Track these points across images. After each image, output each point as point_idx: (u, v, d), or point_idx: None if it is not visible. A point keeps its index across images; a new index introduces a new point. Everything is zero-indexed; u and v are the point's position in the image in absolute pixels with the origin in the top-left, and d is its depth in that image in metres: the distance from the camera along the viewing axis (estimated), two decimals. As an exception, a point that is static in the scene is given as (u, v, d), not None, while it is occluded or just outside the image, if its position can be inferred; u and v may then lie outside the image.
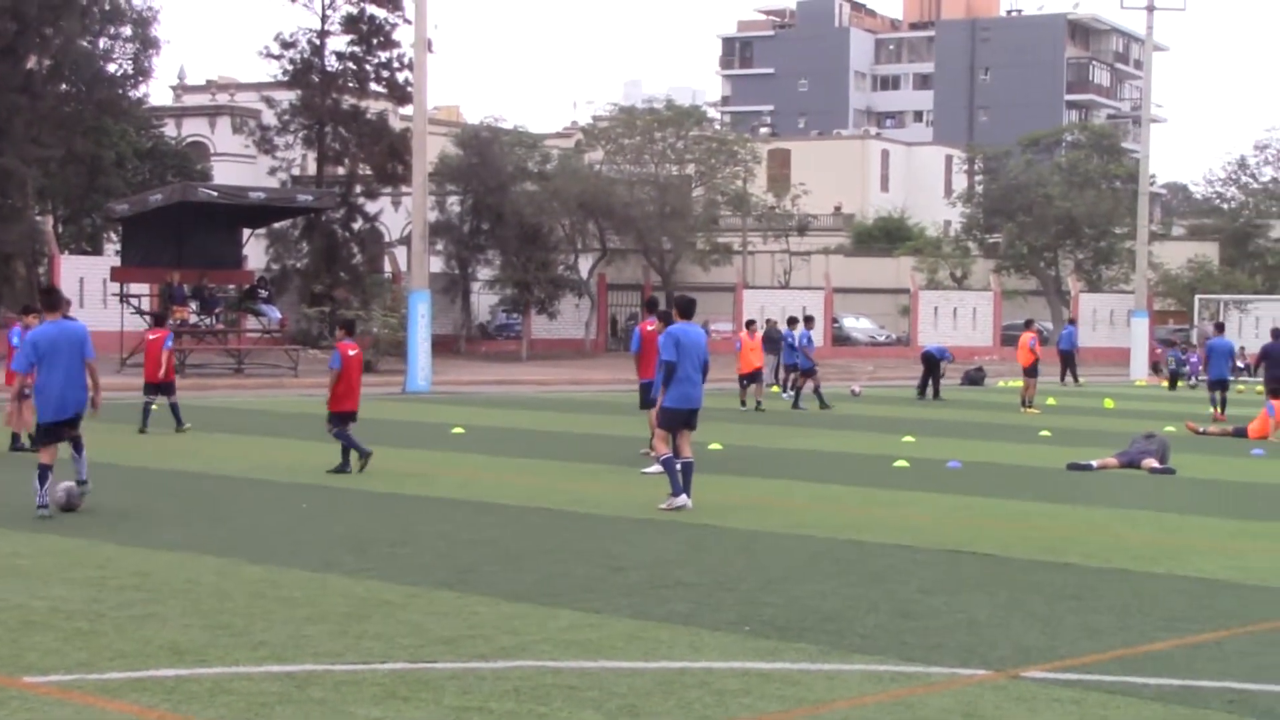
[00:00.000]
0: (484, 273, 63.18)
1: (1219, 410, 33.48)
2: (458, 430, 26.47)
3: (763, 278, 77.48)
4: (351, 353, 20.16)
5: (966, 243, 79.54)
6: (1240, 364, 52.44)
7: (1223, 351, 34.44)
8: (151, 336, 26.29)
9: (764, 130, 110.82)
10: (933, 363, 39.84)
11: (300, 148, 57.46)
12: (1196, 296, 60.35)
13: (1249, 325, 66.24)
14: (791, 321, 37.58)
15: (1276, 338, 32.40)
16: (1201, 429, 29.75)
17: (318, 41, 55.55)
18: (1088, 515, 16.82)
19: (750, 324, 36.92)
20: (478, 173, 60.62)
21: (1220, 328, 36.36)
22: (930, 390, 39.43)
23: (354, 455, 19.75)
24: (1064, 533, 15.35)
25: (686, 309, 17.20)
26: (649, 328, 21.89)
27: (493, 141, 62.04)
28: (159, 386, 25.71)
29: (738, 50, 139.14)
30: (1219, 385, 33.91)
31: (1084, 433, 29.11)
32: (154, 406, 25.71)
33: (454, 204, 61.87)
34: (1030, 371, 36.04)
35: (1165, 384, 50.65)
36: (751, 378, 34.61)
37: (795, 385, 35.66)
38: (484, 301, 67.18)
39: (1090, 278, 75.54)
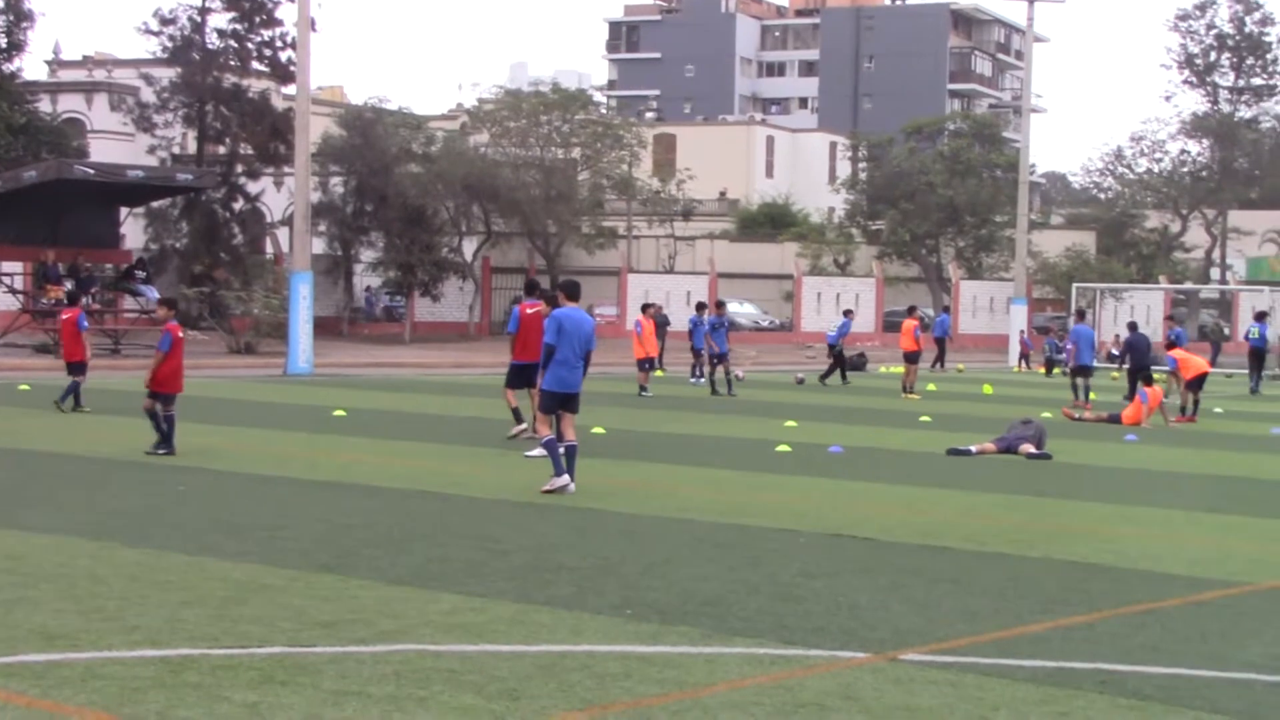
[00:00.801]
0: (367, 255, 62.70)
1: (1080, 397, 33.68)
2: (339, 413, 26.26)
3: (648, 262, 77.63)
4: (181, 334, 19.79)
5: (850, 229, 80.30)
6: (1115, 351, 53.31)
7: (1085, 339, 34.79)
8: (64, 316, 26.55)
9: (650, 115, 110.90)
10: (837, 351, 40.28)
11: (180, 126, 56.62)
12: (1074, 285, 61.35)
13: (1124, 313, 67.44)
14: (700, 306, 38.38)
15: (1135, 330, 33.42)
16: (1077, 415, 30.27)
17: (198, 18, 54.77)
18: (967, 500, 17.04)
19: (646, 308, 36.94)
20: (361, 154, 60.09)
21: (1081, 315, 36.80)
22: (839, 376, 39.92)
23: (157, 438, 19.37)
24: (943, 517, 15.54)
25: (572, 292, 17.18)
26: (529, 310, 21.90)
27: (377, 122, 61.54)
28: (77, 365, 25.59)
29: (624, 35, 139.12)
30: (1081, 372, 34.23)
31: (963, 418, 29.46)
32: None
33: (337, 185, 61.29)
34: (911, 358, 36.41)
35: (1042, 370, 51.50)
36: (649, 362, 34.65)
37: (709, 371, 35.44)
38: (364, 283, 66.68)
39: (971, 265, 76.60)
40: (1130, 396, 34.37)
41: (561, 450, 16.60)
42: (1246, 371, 45.20)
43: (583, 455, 18.28)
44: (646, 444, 22.60)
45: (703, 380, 37.92)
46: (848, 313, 43.53)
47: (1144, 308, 72.76)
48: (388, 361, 45.87)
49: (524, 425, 21.74)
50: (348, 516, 14.35)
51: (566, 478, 16.43)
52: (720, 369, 34.83)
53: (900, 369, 37.71)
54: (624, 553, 12.69)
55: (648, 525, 14.37)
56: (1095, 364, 37.28)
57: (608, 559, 12.33)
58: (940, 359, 51.25)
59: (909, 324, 36.91)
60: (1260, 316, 46.23)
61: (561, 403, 16.74)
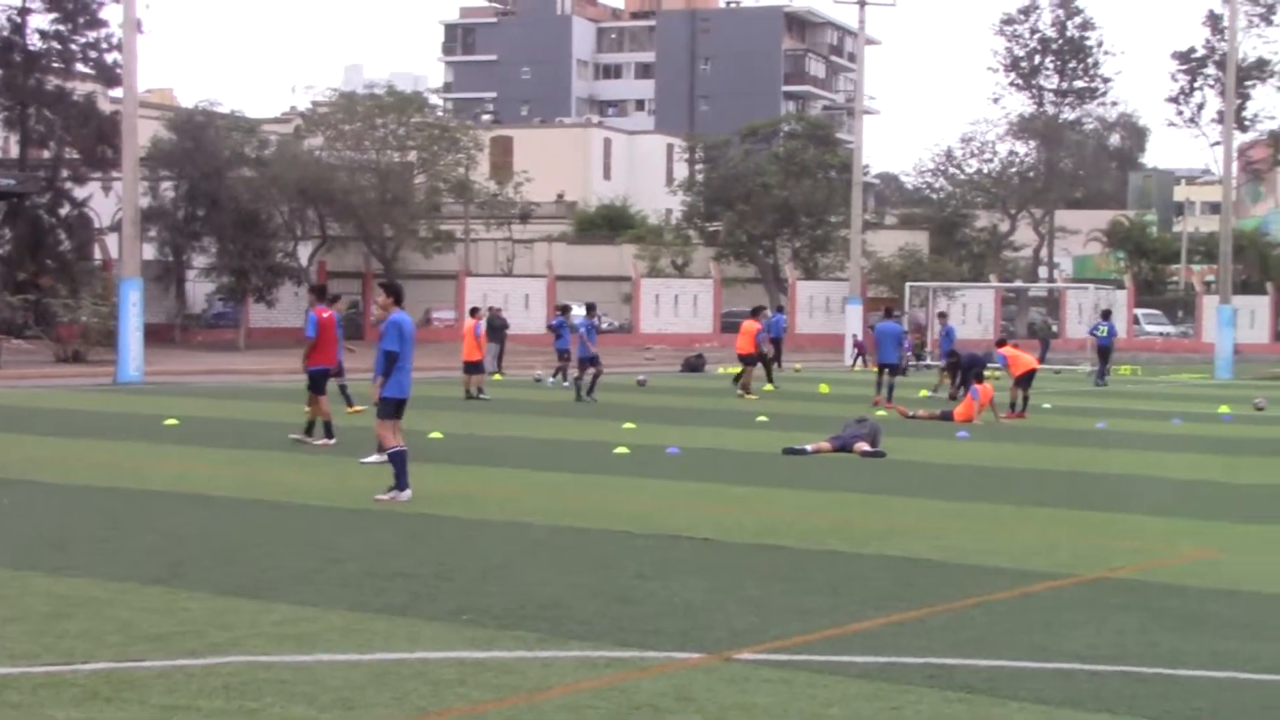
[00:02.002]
0: (200, 260, 61.66)
1: (882, 394, 33.58)
2: (170, 421, 25.80)
3: (485, 265, 77.42)
4: None
5: (687, 231, 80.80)
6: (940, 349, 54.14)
7: (890, 336, 34.89)
8: None
9: (486, 118, 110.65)
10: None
11: (1, 129, 55.20)
12: (907, 284, 62.24)
13: (956, 311, 68.71)
14: (564, 309, 38.96)
15: (889, 316, 35.17)
16: (910, 413, 30.74)
17: (18, 19, 53.50)
18: (802, 498, 17.23)
19: (475, 311, 36.86)
20: (192, 157, 59.05)
21: (889, 312, 36.78)
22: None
23: None
24: (779, 516, 15.69)
25: (399, 296, 16.97)
26: (324, 314, 22.10)
27: (208, 126, 60.53)
28: None
29: (460, 37, 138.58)
30: (887, 369, 34.35)
31: (800, 417, 29.76)
32: None
33: (168, 189, 60.17)
34: (749, 359, 36.63)
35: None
36: (475, 366, 34.55)
37: (575, 376, 35.25)
38: (200, 290, 65.57)
39: (807, 265, 77.44)
40: (955, 395, 35.11)
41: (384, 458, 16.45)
42: (1085, 368, 46.40)
43: (420, 460, 18.15)
44: (484, 448, 22.51)
45: (566, 383, 38.03)
46: (589, 308, 41.03)
47: (975, 305, 74.25)
48: (222, 369, 45.16)
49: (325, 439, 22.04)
50: (179, 527, 14.10)
51: (410, 493, 16.23)
52: (590, 373, 34.45)
53: (737, 369, 37.99)
54: (460, 558, 12.63)
55: (485, 530, 14.32)
56: (921, 361, 37.93)
57: (444, 565, 12.26)
58: (776, 359, 51.70)
59: (750, 325, 37.02)
60: (1106, 315, 47.39)
61: (400, 409, 16.59)
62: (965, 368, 34.47)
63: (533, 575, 11.87)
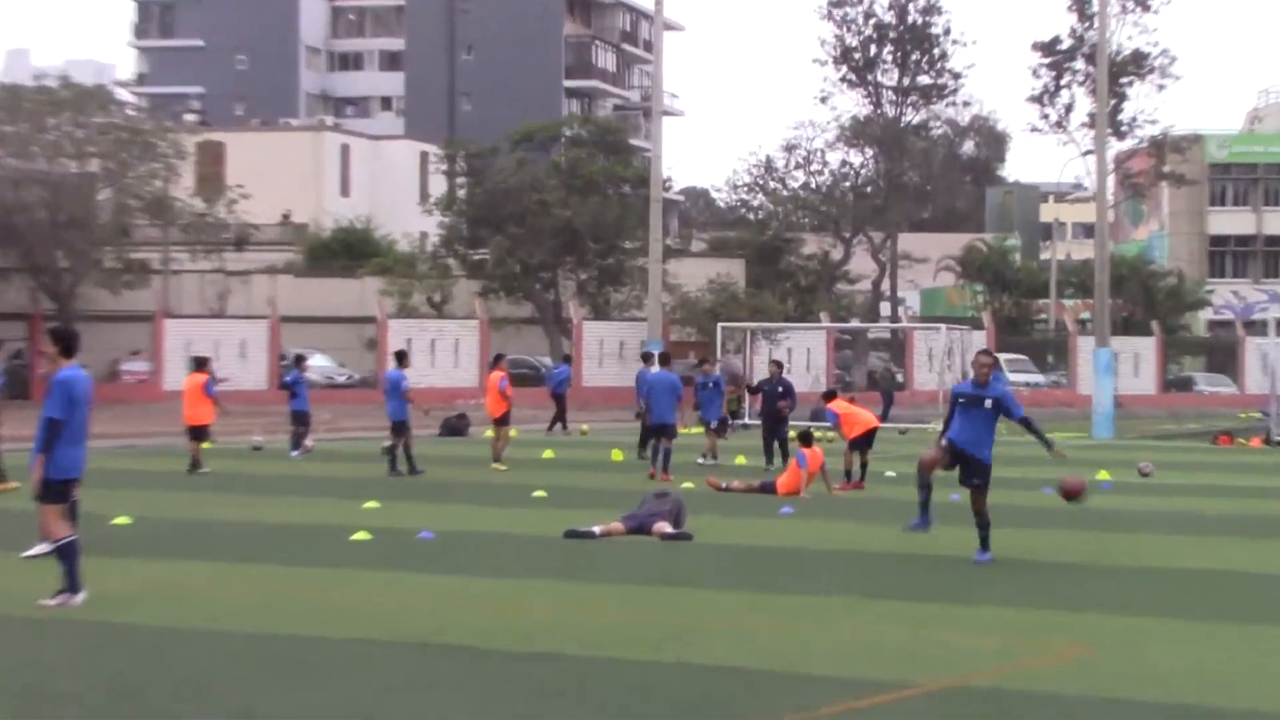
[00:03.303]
0: None
1: (658, 465, 33.29)
2: None
3: (190, 304, 76.39)
4: None
5: (446, 260, 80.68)
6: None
7: (664, 389, 34.54)
8: None
9: (191, 118, 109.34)
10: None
11: None
12: (719, 324, 62.90)
13: (781, 356, 69.78)
14: (299, 360, 39.57)
15: (664, 364, 35.66)
16: (724, 484, 31.00)
17: None
18: (584, 593, 17.24)
19: (203, 362, 36.23)
20: None
21: (664, 360, 36.53)
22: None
23: None
24: (555, 616, 15.68)
25: (69, 346, 16.34)
26: None
27: None
28: None
29: (156, 16, 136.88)
30: (661, 431, 33.83)
31: (586, 491, 29.83)
32: None
33: None
34: (503, 420, 36.65)
35: (699, 429, 52.71)
36: (197, 432, 34.08)
37: (387, 445, 34.78)
38: None
39: (596, 302, 77.83)
40: (769, 460, 35.59)
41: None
42: (926, 425, 47.28)
43: (102, 552, 17.78)
44: (184, 536, 22.24)
45: (295, 453, 38.44)
46: (567, 358, 43.99)
47: (802, 350, 75.29)
48: None
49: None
50: None
51: (84, 595, 15.83)
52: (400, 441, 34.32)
53: (491, 433, 38.10)
54: (147, 674, 12.41)
55: (180, 639, 14.10)
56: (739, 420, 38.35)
57: (127, 683, 12.03)
58: (560, 419, 52.02)
59: (495, 378, 37.13)
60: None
61: (68, 491, 16.09)
62: (766, 424, 35.47)
63: (241, 693, 11.68)
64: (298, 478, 33.15)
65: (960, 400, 20.16)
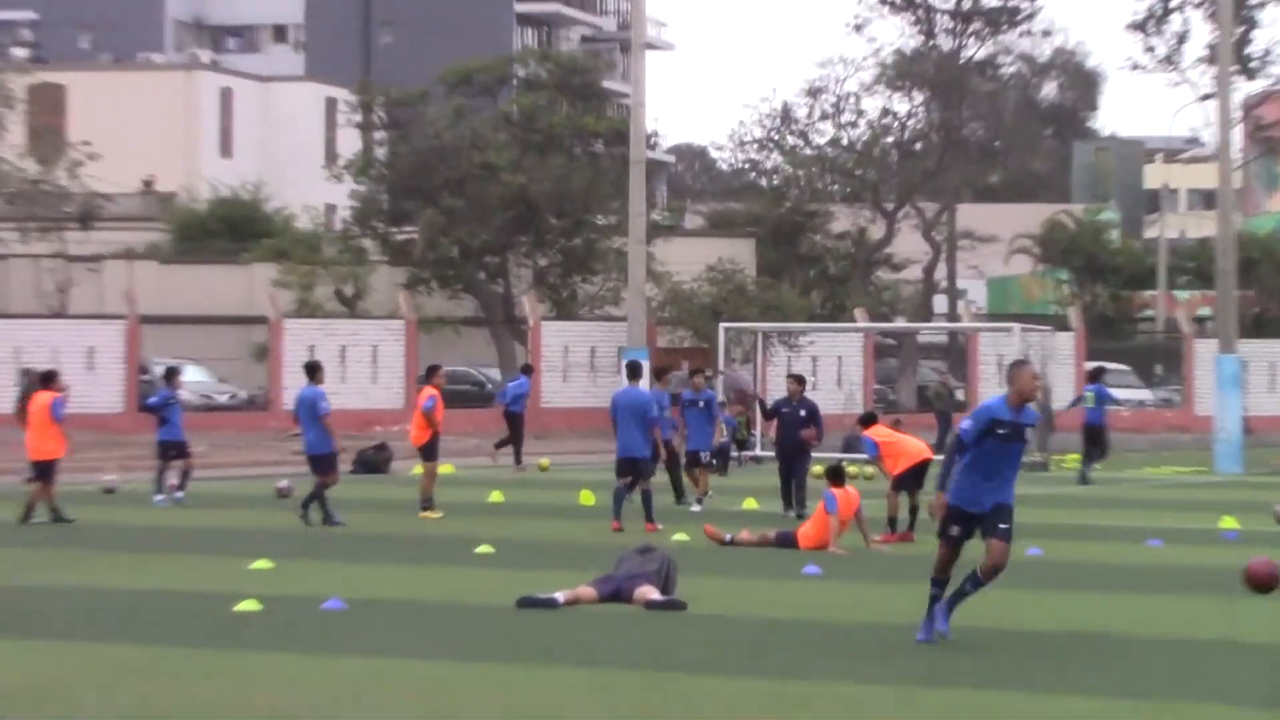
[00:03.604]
0: None
1: (618, 516, 33.24)
2: None
3: (22, 299, 76.21)
4: None
5: (361, 241, 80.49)
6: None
7: (632, 413, 34.08)
8: None
9: (20, 53, 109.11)
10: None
11: None
12: (721, 325, 62.70)
13: (803, 368, 69.70)
14: (170, 375, 39.74)
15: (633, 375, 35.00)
16: (729, 536, 30.89)
17: None
18: (544, 682, 17.13)
19: (51, 378, 35.91)
20: None
21: (633, 372, 36.08)
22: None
23: None
24: (503, 712, 15.63)
25: None
26: None
27: None
28: None
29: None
30: (637, 470, 33.80)
31: (545, 546, 29.96)
32: None
33: None
34: (428, 451, 36.45)
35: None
36: (43, 470, 33.97)
37: (306, 498, 34.66)
38: None
39: (559, 297, 77.67)
40: (787, 504, 35.53)
41: None
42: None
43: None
44: (14, 608, 22.24)
45: (179, 495, 38.51)
46: (526, 368, 43.73)
47: (831, 359, 75.03)
48: None
49: None
50: None
51: None
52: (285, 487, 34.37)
53: (420, 469, 38.02)
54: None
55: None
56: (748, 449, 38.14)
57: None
58: (515, 448, 51.72)
59: (425, 395, 36.86)
60: (1095, 375, 48.51)
61: None
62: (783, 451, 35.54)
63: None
64: (165, 529, 33.11)
65: (1000, 430, 19.20)
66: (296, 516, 33.90)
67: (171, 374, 40.18)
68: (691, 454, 39.04)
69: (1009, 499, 19.25)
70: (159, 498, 38.74)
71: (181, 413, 39.35)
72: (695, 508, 37.30)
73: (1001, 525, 19.11)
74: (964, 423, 19.21)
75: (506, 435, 52.18)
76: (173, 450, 39.07)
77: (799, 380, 37.87)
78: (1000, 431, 18.88)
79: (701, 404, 38.91)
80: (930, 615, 19.25)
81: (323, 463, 34.45)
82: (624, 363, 38.41)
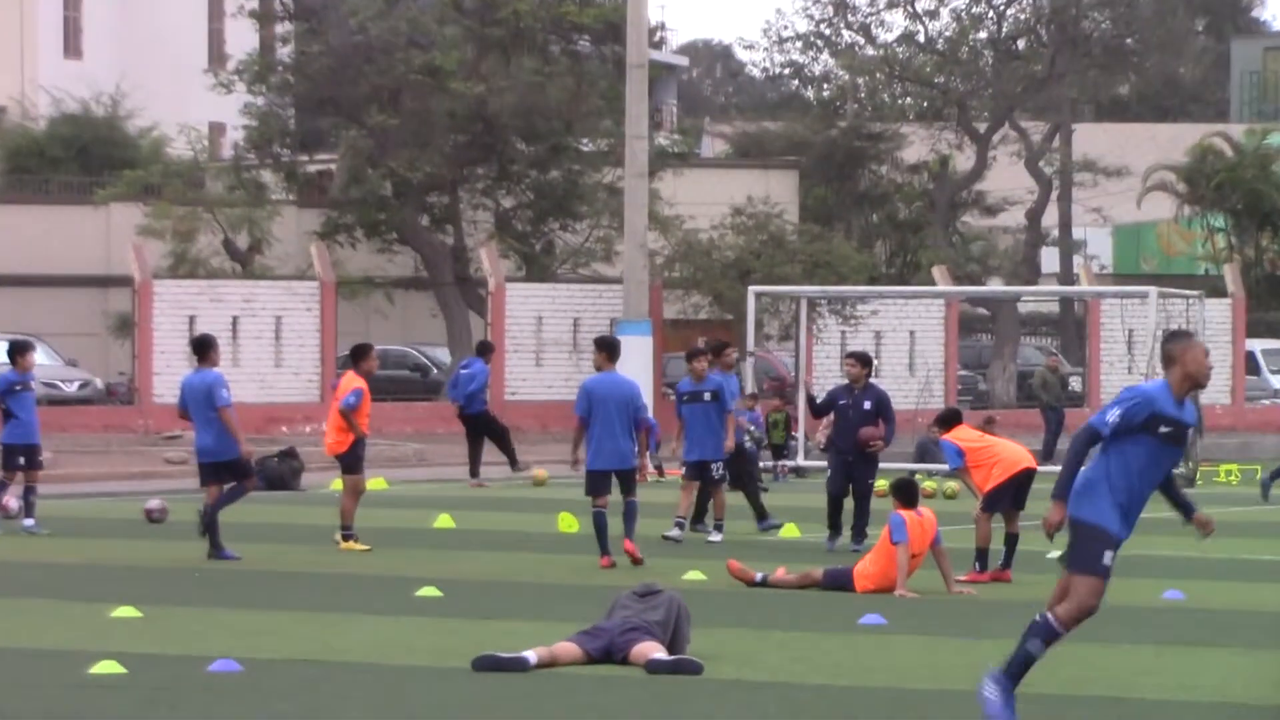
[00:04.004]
0: None
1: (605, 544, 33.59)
2: None
3: None
4: None
5: (259, 173, 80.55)
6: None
7: (610, 402, 33.85)
8: None
9: None
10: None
11: None
12: (751, 289, 62.79)
13: (864, 346, 69.82)
14: (18, 352, 38.79)
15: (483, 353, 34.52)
16: (760, 576, 31.07)
17: None
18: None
19: None
20: None
21: (605, 346, 35.87)
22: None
23: None
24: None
25: None
26: None
27: None
28: None
29: None
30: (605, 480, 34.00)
31: (510, 587, 30.30)
32: None
33: None
34: (351, 462, 36.34)
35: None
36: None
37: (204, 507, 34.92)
38: None
39: (528, 250, 77.77)
40: (835, 531, 35.72)
41: None
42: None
43: None
44: None
45: (24, 525, 38.43)
46: (483, 347, 42.93)
47: (901, 333, 75.04)
48: None
49: None
50: None
51: None
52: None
53: (339, 484, 38.10)
54: None
55: None
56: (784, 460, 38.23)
57: None
58: (472, 452, 51.82)
59: (345, 384, 36.77)
60: None
61: None
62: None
63: None
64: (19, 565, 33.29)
65: (1163, 429, 18.68)
66: (198, 533, 34.10)
67: (21, 351, 39.18)
68: (695, 466, 37.90)
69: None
70: (29, 522, 38.74)
71: (35, 406, 39.00)
72: (714, 537, 37.42)
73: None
74: (1106, 411, 18.64)
75: (471, 448, 52.22)
76: (22, 457, 39.08)
77: (862, 361, 37.66)
78: (1163, 430, 18.46)
79: (708, 396, 37.84)
80: (1013, 680, 18.52)
81: (236, 469, 34.66)
82: (595, 339, 37.22)
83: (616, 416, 33.69)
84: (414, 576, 30.63)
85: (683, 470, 38.85)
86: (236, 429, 34.77)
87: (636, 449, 34.38)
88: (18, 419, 38.36)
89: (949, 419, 33.81)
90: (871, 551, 31.03)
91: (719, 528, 37.77)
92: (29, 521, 38.36)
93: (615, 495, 33.32)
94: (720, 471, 37.72)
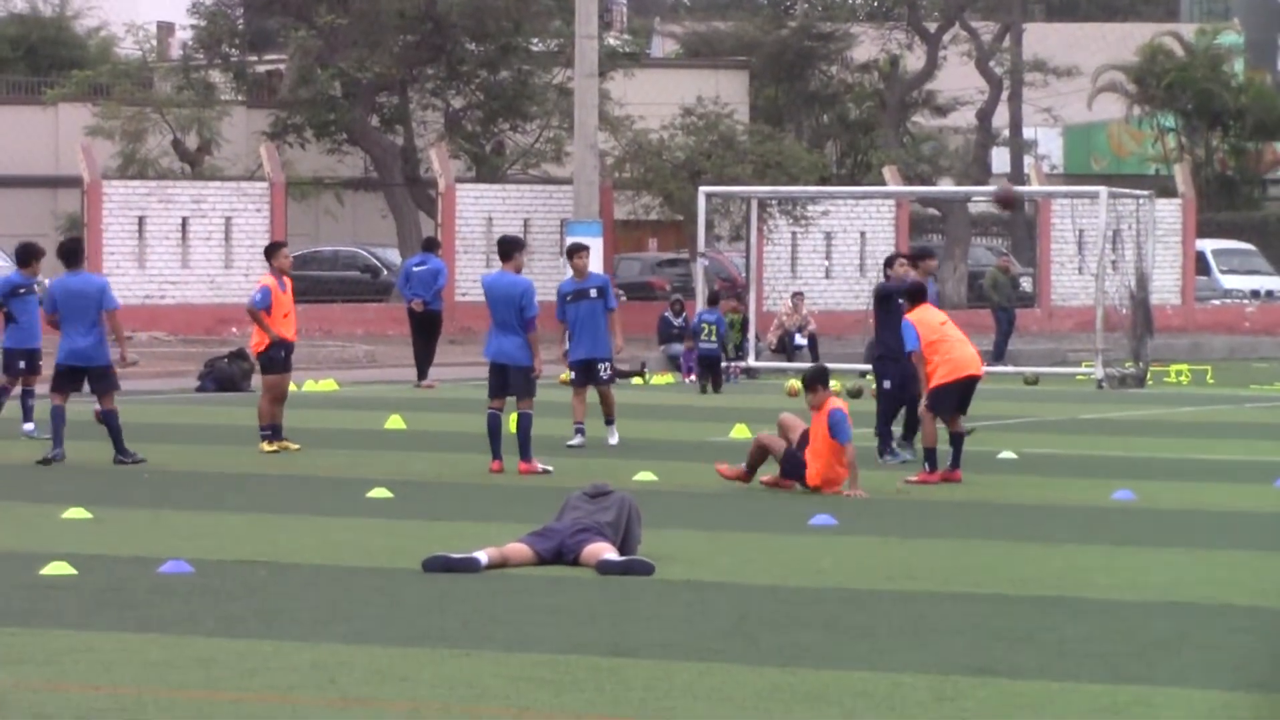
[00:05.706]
0: None
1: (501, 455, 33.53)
2: None
3: None
4: None
5: (208, 73, 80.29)
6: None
7: (500, 301, 33.70)
8: None
9: None
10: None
11: None
12: (702, 190, 62.68)
13: (813, 247, 69.72)
14: (27, 254, 38.21)
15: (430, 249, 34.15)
16: (736, 471, 31.01)
17: None
18: (466, 673, 17.26)
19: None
20: None
21: (506, 246, 35.54)
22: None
23: None
24: (400, 713, 15.80)
25: None
26: None
27: None
28: None
29: None
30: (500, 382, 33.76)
31: (461, 488, 30.59)
32: None
33: None
34: (269, 362, 36.17)
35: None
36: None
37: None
38: None
39: (479, 151, 77.58)
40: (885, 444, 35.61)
41: None
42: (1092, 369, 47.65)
43: None
44: None
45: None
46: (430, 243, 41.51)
47: (851, 234, 74.92)
48: None
49: None
50: None
51: None
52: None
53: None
54: None
55: None
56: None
57: None
58: (420, 353, 51.81)
59: (263, 284, 36.54)
60: None
61: None
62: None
63: None
64: None
65: None
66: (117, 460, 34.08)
67: (30, 255, 38.46)
68: (582, 366, 37.31)
69: None
70: (28, 426, 38.67)
71: (38, 309, 38.04)
72: (612, 439, 37.32)
73: None
74: None
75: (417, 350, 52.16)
76: (22, 361, 38.51)
77: (914, 258, 36.33)
78: None
79: (593, 293, 37.24)
80: None
81: (94, 379, 34.57)
82: (498, 241, 36.11)
83: (502, 314, 33.40)
84: (365, 478, 30.63)
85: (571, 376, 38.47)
86: (120, 333, 35.14)
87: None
88: (18, 323, 38.12)
89: (915, 293, 33.34)
90: (812, 443, 30.68)
91: (580, 432, 37.15)
92: (28, 426, 38.50)
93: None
94: (608, 372, 37.31)
